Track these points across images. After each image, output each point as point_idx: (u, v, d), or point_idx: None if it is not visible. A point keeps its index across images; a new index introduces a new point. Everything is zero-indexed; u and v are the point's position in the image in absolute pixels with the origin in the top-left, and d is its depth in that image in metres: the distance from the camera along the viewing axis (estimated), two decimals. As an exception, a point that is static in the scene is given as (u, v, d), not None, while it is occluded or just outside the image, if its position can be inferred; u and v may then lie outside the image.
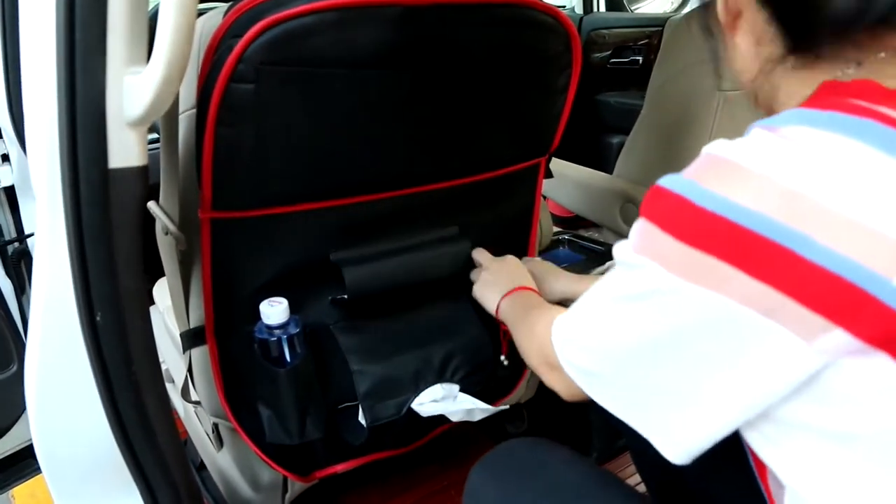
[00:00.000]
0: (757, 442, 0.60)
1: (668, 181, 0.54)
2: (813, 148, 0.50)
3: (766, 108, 0.66)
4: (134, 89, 0.73)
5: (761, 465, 0.65)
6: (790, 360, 0.51)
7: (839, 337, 0.48)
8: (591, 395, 0.67)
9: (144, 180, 0.80)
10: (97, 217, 0.76)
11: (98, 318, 0.80)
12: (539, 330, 0.82)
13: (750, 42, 0.63)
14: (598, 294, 0.64)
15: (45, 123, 0.76)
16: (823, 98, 0.57)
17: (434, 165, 1.08)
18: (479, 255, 1.18)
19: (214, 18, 0.87)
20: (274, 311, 1.02)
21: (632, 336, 0.58)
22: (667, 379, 0.58)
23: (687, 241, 0.51)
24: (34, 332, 0.85)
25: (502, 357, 1.20)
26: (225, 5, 0.88)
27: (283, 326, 1.03)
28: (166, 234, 0.92)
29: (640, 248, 0.55)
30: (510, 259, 1.15)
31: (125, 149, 0.76)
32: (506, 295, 1.05)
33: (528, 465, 0.87)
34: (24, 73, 0.81)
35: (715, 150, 0.54)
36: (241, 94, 0.85)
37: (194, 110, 0.89)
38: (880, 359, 0.49)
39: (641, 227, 0.55)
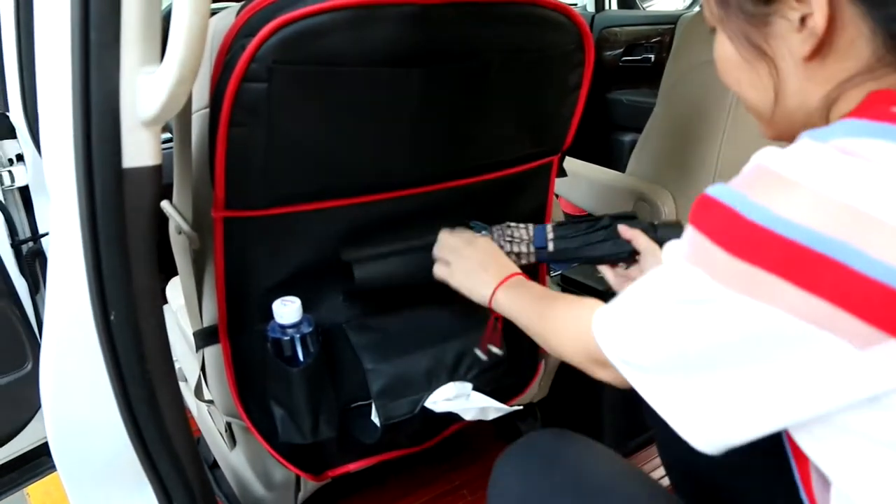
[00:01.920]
0: (804, 440, 0.60)
1: (717, 191, 0.54)
2: (866, 159, 0.50)
3: (801, 127, 0.61)
4: (147, 89, 0.74)
5: (803, 464, 0.65)
6: (847, 370, 0.50)
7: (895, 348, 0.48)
8: (637, 387, 0.66)
9: (158, 180, 0.80)
10: (111, 216, 0.77)
11: (112, 317, 0.80)
12: (576, 323, 0.80)
13: (814, 52, 0.59)
14: (649, 293, 0.63)
15: (59, 123, 0.77)
16: (873, 107, 0.56)
17: (446, 164, 1.08)
18: (444, 235, 1.09)
19: (227, 18, 0.87)
20: (287, 310, 1.02)
21: (685, 337, 0.58)
22: (718, 379, 0.58)
23: (737, 253, 0.51)
24: (49, 330, 0.86)
25: (497, 350, 1.16)
26: (237, 5, 0.89)
27: (296, 326, 1.03)
28: (179, 233, 0.93)
29: (692, 258, 0.55)
30: (479, 240, 1.07)
31: (139, 148, 0.76)
32: (501, 283, 1.00)
33: (552, 457, 0.87)
34: (39, 72, 0.81)
35: (765, 160, 0.53)
36: (254, 94, 0.85)
37: (207, 109, 0.89)
38: None
39: (692, 237, 0.56)
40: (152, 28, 0.74)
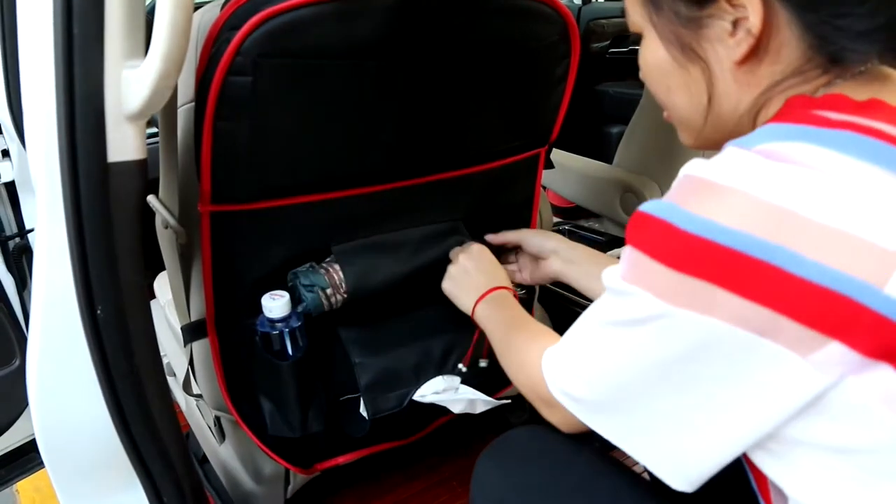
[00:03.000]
0: (759, 457, 0.60)
1: (650, 206, 0.54)
2: (791, 162, 0.50)
3: (728, 136, 0.61)
4: (132, 83, 0.74)
5: (761, 480, 0.64)
6: (791, 379, 0.50)
7: (836, 350, 0.48)
8: (591, 425, 0.65)
9: (143, 174, 0.80)
10: (97, 211, 0.77)
11: (99, 312, 0.80)
12: (529, 361, 0.80)
13: (741, 59, 0.59)
14: (589, 322, 0.63)
15: (43, 118, 0.76)
16: (792, 113, 0.56)
17: (432, 156, 1.08)
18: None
19: (212, 11, 0.87)
20: (276, 304, 1.02)
21: (628, 362, 0.58)
22: (669, 405, 0.57)
23: (673, 265, 0.51)
24: (35, 326, 0.86)
25: (481, 361, 1.17)
26: (222, -1, 0.88)
27: (284, 320, 1.03)
28: (166, 227, 0.92)
29: (630, 277, 0.55)
30: (481, 251, 1.09)
31: (124, 143, 0.76)
32: (481, 297, 1.01)
33: (532, 453, 0.87)
34: (23, 67, 0.81)
35: (692, 170, 0.53)
36: (239, 87, 0.85)
37: (193, 104, 0.89)
38: (883, 371, 0.49)
39: (629, 255, 0.55)
40: (136, 22, 0.74)
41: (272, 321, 1.03)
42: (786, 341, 0.48)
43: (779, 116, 0.58)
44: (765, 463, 0.60)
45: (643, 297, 0.53)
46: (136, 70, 0.73)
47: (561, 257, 1.08)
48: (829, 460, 0.54)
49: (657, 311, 0.53)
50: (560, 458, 0.85)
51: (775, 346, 0.49)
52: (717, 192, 0.51)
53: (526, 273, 1.16)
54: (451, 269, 1.08)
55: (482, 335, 1.04)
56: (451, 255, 1.11)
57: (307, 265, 1.07)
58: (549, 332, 0.88)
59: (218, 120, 0.87)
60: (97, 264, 0.78)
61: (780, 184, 0.49)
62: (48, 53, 0.74)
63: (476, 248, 1.09)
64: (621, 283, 0.56)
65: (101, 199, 0.76)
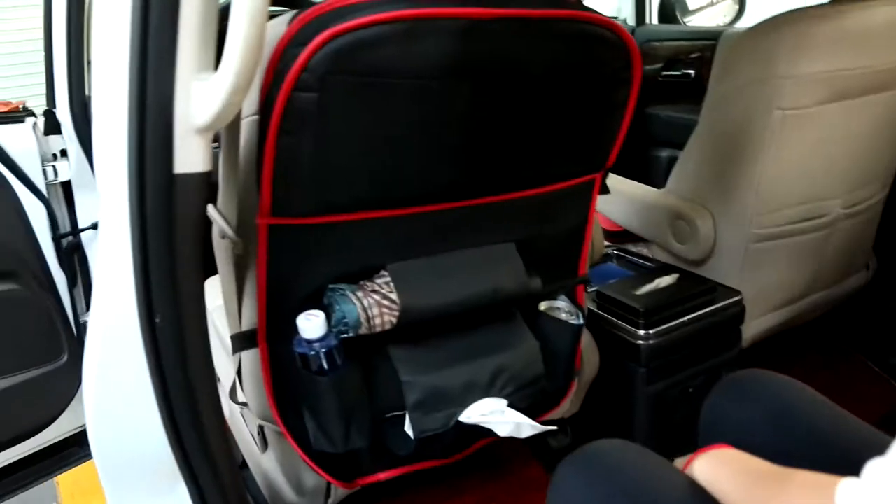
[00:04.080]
0: None
1: None
2: None
3: None
4: (201, 96, 0.75)
5: None
6: None
7: None
8: None
9: (207, 186, 0.81)
10: (161, 221, 0.78)
11: (157, 320, 0.81)
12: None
13: None
14: None
15: (114, 127, 0.78)
16: None
17: (491, 178, 1.08)
18: None
19: (279, 27, 0.88)
20: (311, 324, 1.00)
21: None
22: None
23: None
24: (94, 330, 0.87)
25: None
26: (290, 13, 0.89)
27: (321, 340, 1.02)
28: (223, 237, 0.93)
29: None
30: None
31: (191, 155, 0.77)
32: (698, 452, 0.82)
33: (617, 465, 0.84)
34: (95, 75, 0.83)
35: None
36: (305, 103, 0.85)
37: (256, 116, 0.90)
38: None
39: None
40: (208, 36, 0.75)
41: (309, 342, 1.02)
42: None
43: None
44: None
45: None
46: (207, 83, 0.74)
47: None
48: None
49: None
50: (646, 472, 0.82)
51: None
52: None
53: None
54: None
55: None
56: None
57: (347, 286, 1.06)
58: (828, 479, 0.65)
59: (282, 135, 0.87)
60: (158, 273, 0.79)
61: None
62: (122, 63, 0.75)
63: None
64: None
65: (166, 209, 0.77)
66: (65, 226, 1.89)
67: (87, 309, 1.97)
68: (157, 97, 0.74)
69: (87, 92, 1.75)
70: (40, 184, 1.76)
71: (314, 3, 0.89)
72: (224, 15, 0.75)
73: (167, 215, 0.78)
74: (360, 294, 1.03)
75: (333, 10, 0.85)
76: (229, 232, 0.92)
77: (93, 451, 0.95)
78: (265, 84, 0.87)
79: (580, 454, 0.88)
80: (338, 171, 0.94)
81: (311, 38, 0.83)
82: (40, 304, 1.74)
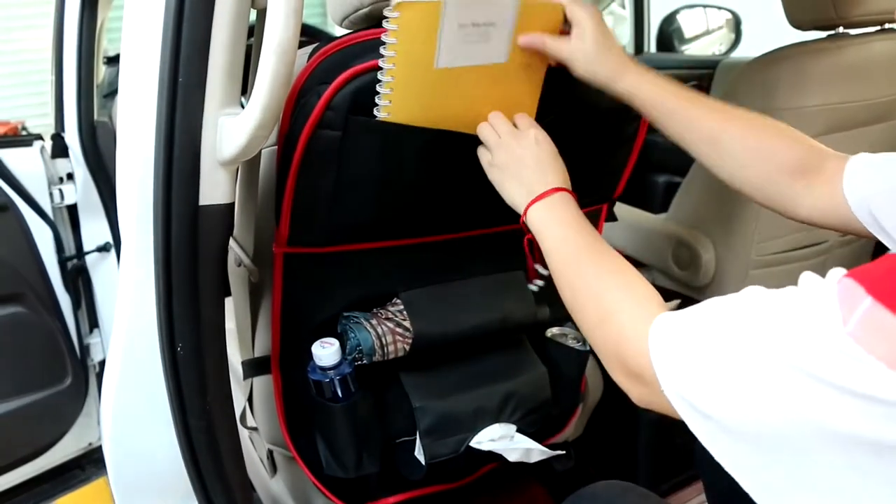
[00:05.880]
0: None
1: None
2: None
3: None
4: (228, 130, 0.76)
5: None
6: None
7: None
8: (710, 448, 0.55)
9: (230, 217, 0.83)
10: (185, 251, 0.79)
11: (179, 349, 0.82)
12: (621, 323, 0.65)
13: None
14: (764, 346, 0.49)
15: (140, 159, 0.79)
16: None
17: (502, 208, 1.09)
18: (494, 117, 0.91)
19: (299, 60, 0.89)
20: (326, 352, 1.01)
21: (806, 423, 0.46)
22: (830, 484, 0.47)
23: None
24: (114, 353, 0.88)
25: (543, 269, 0.91)
26: (309, 47, 0.91)
27: (335, 367, 1.03)
28: (239, 265, 0.94)
29: (864, 340, 0.43)
30: (544, 141, 0.89)
31: (215, 187, 0.79)
32: (539, 197, 0.83)
33: None
34: (121, 106, 0.84)
35: None
36: (328, 140, 0.87)
37: (273, 147, 0.91)
38: None
39: (869, 313, 0.43)
40: (235, 72, 0.77)
41: (323, 369, 1.03)
42: None
43: None
44: None
45: (878, 370, 0.42)
46: (234, 118, 0.76)
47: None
48: None
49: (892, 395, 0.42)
50: None
51: None
52: None
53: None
54: (501, 156, 0.88)
55: (531, 245, 0.90)
56: (501, 132, 0.90)
57: (361, 314, 1.07)
58: (643, 283, 0.71)
59: (303, 169, 0.88)
60: (181, 302, 0.81)
61: None
62: (150, 97, 0.77)
63: (535, 137, 0.88)
64: (839, 335, 0.44)
65: (191, 240, 0.79)
66: (70, 248, 1.89)
67: (91, 331, 1.97)
68: (185, 130, 0.75)
69: (95, 117, 1.76)
70: (46, 207, 1.76)
71: (333, 37, 0.91)
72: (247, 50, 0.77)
73: (191, 246, 0.79)
74: (374, 322, 1.05)
75: (357, 45, 0.87)
76: (246, 260, 0.93)
77: (108, 469, 0.96)
78: (285, 118, 0.88)
79: (579, 497, 0.89)
80: (355, 203, 0.95)
81: (334, 75, 0.85)
82: (45, 326, 1.74)
